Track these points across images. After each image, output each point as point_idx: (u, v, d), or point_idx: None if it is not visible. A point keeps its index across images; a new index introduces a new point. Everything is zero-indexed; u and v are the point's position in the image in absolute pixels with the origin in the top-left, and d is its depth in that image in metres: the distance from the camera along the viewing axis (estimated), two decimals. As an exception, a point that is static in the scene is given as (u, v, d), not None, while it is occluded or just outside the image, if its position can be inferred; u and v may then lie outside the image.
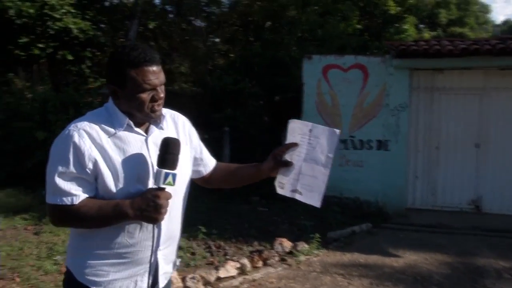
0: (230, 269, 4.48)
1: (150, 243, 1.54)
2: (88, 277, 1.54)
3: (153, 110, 1.53)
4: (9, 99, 8.64)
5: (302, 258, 5.09)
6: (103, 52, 11.60)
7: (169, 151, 1.48)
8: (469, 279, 4.62)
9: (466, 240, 6.00)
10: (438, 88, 7.70)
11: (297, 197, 1.68)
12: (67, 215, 1.49)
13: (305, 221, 6.20)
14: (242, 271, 4.56)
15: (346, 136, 7.74)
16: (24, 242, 4.92)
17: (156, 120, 1.58)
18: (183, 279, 4.09)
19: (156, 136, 1.57)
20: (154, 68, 1.50)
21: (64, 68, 11.26)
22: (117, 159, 1.49)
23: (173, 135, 1.62)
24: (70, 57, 10.63)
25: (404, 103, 7.55)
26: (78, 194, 1.47)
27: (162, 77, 1.53)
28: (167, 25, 13.30)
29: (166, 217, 1.50)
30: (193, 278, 4.12)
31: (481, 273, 4.79)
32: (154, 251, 1.56)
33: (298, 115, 7.59)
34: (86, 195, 1.48)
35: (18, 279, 3.94)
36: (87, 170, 1.46)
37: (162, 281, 1.64)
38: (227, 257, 4.88)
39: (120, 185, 1.49)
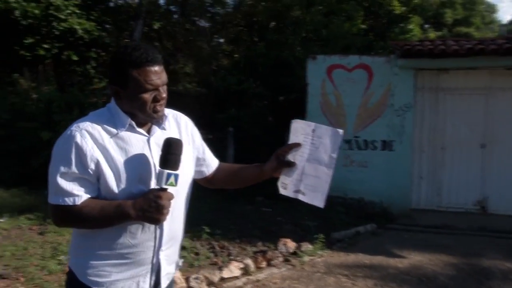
0: (233, 269, 4.47)
1: (152, 244, 1.54)
2: (90, 278, 1.54)
3: (155, 111, 1.52)
4: (14, 99, 8.69)
5: (306, 258, 5.07)
6: (108, 52, 11.64)
7: (171, 152, 1.47)
8: (474, 281, 4.58)
9: (472, 241, 5.96)
10: (443, 88, 7.66)
11: (300, 197, 1.67)
12: (69, 216, 1.49)
13: (309, 222, 6.18)
14: (245, 271, 4.55)
15: (351, 136, 7.72)
16: (28, 242, 4.94)
17: (158, 120, 1.57)
18: (187, 279, 4.09)
19: (159, 136, 1.57)
20: (156, 68, 1.49)
21: (69, 69, 11.32)
22: (119, 159, 1.49)
23: (175, 135, 1.61)
24: (75, 58, 10.68)
25: (409, 103, 7.52)
26: (80, 194, 1.47)
27: (164, 77, 1.52)
28: (171, 25, 13.33)
29: (168, 217, 1.50)
30: (196, 278, 4.11)
31: (487, 274, 4.76)
32: (156, 252, 1.56)
33: (302, 115, 7.58)
34: (88, 196, 1.48)
35: (22, 279, 3.95)
36: (89, 170, 1.46)
37: (164, 282, 1.64)
38: (231, 257, 4.88)
39: (122, 186, 1.48)
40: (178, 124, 1.70)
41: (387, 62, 7.66)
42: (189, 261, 4.66)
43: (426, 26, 15.25)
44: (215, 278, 4.27)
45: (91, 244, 1.53)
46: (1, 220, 5.76)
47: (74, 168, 1.45)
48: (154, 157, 1.53)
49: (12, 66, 10.40)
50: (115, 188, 1.48)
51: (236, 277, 4.42)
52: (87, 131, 1.48)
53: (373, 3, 11.76)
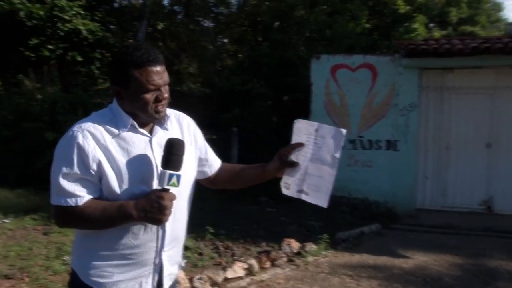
0: (237, 269, 4.47)
1: (155, 245, 1.54)
2: (93, 278, 1.53)
3: (157, 111, 1.51)
4: (19, 100, 8.73)
5: (310, 259, 5.05)
6: (112, 53, 11.67)
7: (173, 152, 1.46)
8: (480, 281, 4.55)
9: (477, 241, 5.92)
10: (448, 88, 7.62)
11: (303, 197, 1.66)
12: (71, 216, 1.48)
13: (313, 222, 6.17)
14: (249, 271, 4.54)
15: (355, 136, 7.69)
16: (33, 242, 4.96)
17: (160, 120, 1.56)
18: (191, 280, 4.09)
19: (161, 136, 1.56)
20: (158, 68, 1.48)
21: (74, 69, 11.37)
22: (121, 160, 1.48)
23: (177, 135, 1.60)
24: (79, 58, 10.73)
25: (414, 103, 7.48)
26: (82, 195, 1.46)
27: (166, 77, 1.51)
28: (175, 26, 13.36)
29: (170, 218, 1.49)
30: (200, 278, 4.11)
31: (493, 275, 4.72)
32: (158, 253, 1.55)
33: (306, 115, 7.57)
34: (91, 196, 1.47)
35: (27, 279, 3.96)
36: (91, 171, 1.46)
37: (166, 283, 1.63)
38: (235, 257, 4.87)
39: (124, 186, 1.48)
40: (180, 125, 1.69)
41: (391, 61, 7.63)
42: (193, 261, 4.66)
43: (431, 25, 15.17)
44: (219, 279, 4.27)
45: (93, 244, 1.53)
46: (6, 221, 5.78)
47: (76, 169, 1.45)
48: (156, 157, 1.52)
49: (17, 67, 10.46)
50: (117, 189, 1.47)
51: (240, 278, 4.42)
52: (89, 131, 1.48)
53: (377, 3, 11.73)
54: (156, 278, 1.58)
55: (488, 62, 7.14)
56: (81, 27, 10.34)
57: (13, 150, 7.90)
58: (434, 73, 7.62)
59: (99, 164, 1.46)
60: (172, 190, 1.47)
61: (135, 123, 1.53)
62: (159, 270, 1.58)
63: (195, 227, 5.03)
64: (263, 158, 1.84)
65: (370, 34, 11.32)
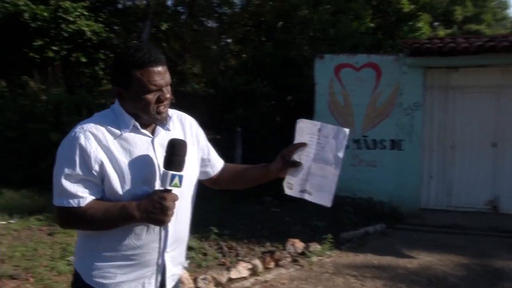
0: (241, 270, 4.46)
1: (157, 245, 1.54)
2: (96, 279, 1.53)
3: (159, 112, 1.51)
4: (24, 101, 8.77)
5: (315, 259, 5.04)
6: (116, 53, 11.71)
7: (175, 153, 1.46)
8: (486, 282, 4.52)
9: (483, 241, 5.88)
10: (453, 87, 7.58)
11: (306, 197, 1.65)
12: (73, 217, 1.49)
13: (317, 222, 6.15)
14: (253, 272, 4.54)
15: (359, 135, 7.66)
16: (38, 243, 4.98)
17: (162, 121, 1.56)
18: (195, 280, 4.09)
19: (163, 137, 1.56)
20: (159, 68, 1.48)
21: (78, 70, 11.41)
22: (123, 160, 1.48)
23: (180, 136, 1.60)
24: (83, 59, 10.77)
25: (418, 102, 7.45)
26: (84, 196, 1.46)
27: (167, 78, 1.51)
28: (179, 26, 13.38)
29: (173, 219, 1.49)
30: (204, 279, 4.11)
31: (500, 275, 4.69)
32: (161, 253, 1.55)
33: (310, 115, 7.55)
34: (93, 197, 1.48)
35: (32, 280, 3.98)
36: (93, 172, 1.46)
37: (169, 283, 1.63)
38: (239, 258, 4.87)
39: (127, 187, 1.48)
40: (183, 125, 1.69)
41: (395, 60, 7.60)
42: (197, 261, 4.66)
43: (436, 24, 15.09)
44: (223, 279, 4.26)
45: (96, 245, 1.53)
46: (12, 221, 5.81)
47: (78, 170, 1.45)
48: (158, 158, 1.52)
49: (21, 68, 10.52)
50: (119, 190, 1.47)
51: (244, 278, 4.41)
52: (91, 132, 1.48)
53: (381, 2, 11.68)
54: (159, 278, 1.58)
55: (493, 61, 7.09)
56: (85, 28, 10.38)
57: (18, 151, 7.94)
58: (439, 72, 7.58)
59: (101, 165, 1.46)
60: (175, 190, 1.46)
61: (137, 124, 1.53)
62: (162, 270, 1.58)
63: (199, 227, 5.05)
64: (267, 158, 1.84)
65: (374, 33, 11.27)
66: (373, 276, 4.62)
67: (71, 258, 4.47)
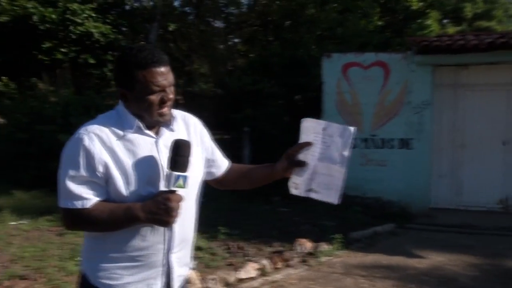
0: (250, 270, 4.45)
1: (163, 246, 1.53)
2: (102, 281, 1.53)
3: (162, 112, 1.51)
4: (33, 103, 8.86)
5: (324, 259, 5.02)
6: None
7: (179, 154, 1.45)
8: (498, 282, 4.46)
9: (494, 241, 5.81)
10: (462, 85, 7.50)
11: (313, 195, 1.64)
12: (79, 219, 1.49)
13: (326, 222, 6.13)
14: (262, 272, 4.53)
15: (368, 135, 7.61)
16: (47, 243, 5.01)
17: (166, 122, 1.55)
18: (203, 280, 4.08)
19: (167, 138, 1.55)
20: (162, 69, 1.47)
21: (86, 72, 11.49)
22: (128, 161, 1.48)
23: (184, 136, 1.59)
24: (92, 61, 10.84)
25: (427, 101, 7.38)
26: (89, 197, 1.46)
27: (170, 78, 1.50)
28: (186, 27, 13.42)
29: (178, 220, 1.48)
30: (213, 279, 4.10)
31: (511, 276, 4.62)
32: (166, 254, 1.55)
33: (318, 115, 7.52)
34: (98, 199, 1.47)
35: (41, 280, 4.01)
36: (98, 173, 1.46)
37: (176, 284, 1.62)
38: (247, 258, 4.85)
39: (131, 188, 1.47)
40: (187, 125, 1.68)
41: (404, 58, 7.54)
42: (206, 261, 4.66)
43: (445, 21, 14.95)
44: (232, 279, 4.26)
45: (102, 247, 1.53)
46: (23, 222, 5.86)
47: (82, 171, 1.45)
48: (163, 159, 1.51)
49: (30, 70, 10.62)
50: (124, 191, 1.47)
51: (253, 278, 4.40)
52: (95, 134, 1.48)
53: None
54: (165, 280, 1.58)
55: (504, 58, 7.01)
56: (93, 30, 10.45)
57: (27, 152, 8.02)
58: (448, 70, 7.50)
59: (106, 166, 1.45)
60: (179, 191, 1.46)
61: (141, 125, 1.52)
62: (168, 271, 1.57)
63: (207, 227, 5.05)
64: (275, 157, 1.82)
65: (382, 31, 11.21)
66: (383, 276, 4.59)
67: (80, 258, 4.50)
